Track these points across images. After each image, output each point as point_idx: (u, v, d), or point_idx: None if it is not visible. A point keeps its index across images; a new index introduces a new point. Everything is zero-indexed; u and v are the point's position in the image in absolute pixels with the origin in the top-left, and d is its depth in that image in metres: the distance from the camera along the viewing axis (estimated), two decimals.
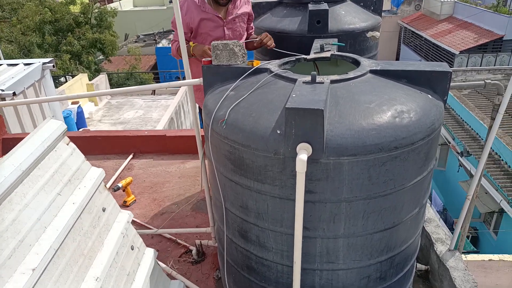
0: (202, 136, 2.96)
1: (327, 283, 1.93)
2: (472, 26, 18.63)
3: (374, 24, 2.99)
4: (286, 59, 2.24)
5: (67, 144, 1.55)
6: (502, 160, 8.87)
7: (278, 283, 2.01)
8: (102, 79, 14.31)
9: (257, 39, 2.71)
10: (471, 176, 8.97)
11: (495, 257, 5.87)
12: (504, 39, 16.96)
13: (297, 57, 2.26)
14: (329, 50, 2.31)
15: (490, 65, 16.98)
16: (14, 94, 4.29)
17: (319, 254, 1.86)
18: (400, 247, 1.98)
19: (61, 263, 1.31)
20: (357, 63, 2.11)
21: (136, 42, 24.40)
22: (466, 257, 5.77)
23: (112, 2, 31.51)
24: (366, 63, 2.05)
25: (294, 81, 1.87)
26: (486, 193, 8.90)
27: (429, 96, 1.90)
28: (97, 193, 1.58)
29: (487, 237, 9.23)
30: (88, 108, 12.76)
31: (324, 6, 2.79)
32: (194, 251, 2.90)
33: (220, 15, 2.73)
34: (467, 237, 9.04)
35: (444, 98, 1.94)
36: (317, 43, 2.47)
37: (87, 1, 18.89)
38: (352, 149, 1.60)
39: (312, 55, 2.28)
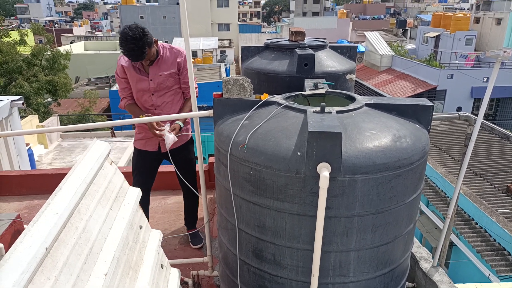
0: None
1: None
2: (409, 77, 20.57)
3: (351, 68, 3.37)
4: (287, 94, 2.50)
5: (110, 164, 1.64)
6: (448, 196, 9.63)
7: None
8: (53, 121, 13.82)
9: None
10: None
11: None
12: (437, 89, 18.86)
13: (296, 93, 2.54)
14: (323, 88, 2.61)
15: None
16: None
17: (332, 268, 2.02)
18: (399, 260, 2.20)
19: (118, 272, 1.37)
20: (351, 98, 2.42)
21: (87, 85, 24.06)
22: None
23: (61, 45, 31.11)
24: (360, 98, 2.36)
25: (303, 111, 2.11)
26: (436, 228, 9.53)
27: (417, 125, 2.22)
28: (136, 210, 1.66)
29: None
30: (37, 150, 12.17)
31: (310, 51, 3.14)
32: (190, 283, 2.92)
33: (145, 72, 2.98)
34: None
35: (428, 128, 2.27)
36: (309, 82, 2.77)
37: (37, 44, 18.56)
38: (364, 168, 1.84)
39: (309, 92, 2.57)
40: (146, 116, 2.93)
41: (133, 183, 3.24)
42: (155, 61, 2.93)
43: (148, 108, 3.06)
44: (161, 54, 2.94)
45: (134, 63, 2.94)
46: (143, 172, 3.26)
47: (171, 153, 2.96)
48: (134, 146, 3.24)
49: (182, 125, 2.99)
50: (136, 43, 2.64)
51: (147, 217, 3.42)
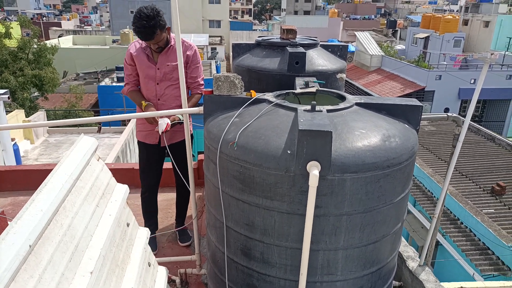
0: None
1: None
2: (398, 77, 20.76)
3: (341, 67, 3.38)
4: (278, 92, 2.49)
5: (98, 160, 1.61)
6: (434, 196, 9.75)
7: None
8: (40, 116, 13.62)
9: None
10: None
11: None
12: (425, 90, 19.07)
13: (286, 91, 2.53)
14: (314, 86, 2.61)
15: None
16: None
17: (320, 266, 2.02)
18: (387, 259, 2.21)
19: (104, 271, 1.34)
20: (341, 97, 2.42)
21: (75, 80, 23.73)
22: None
23: (49, 39, 30.62)
24: (351, 97, 2.36)
25: (294, 109, 2.11)
26: (422, 227, 9.65)
27: (406, 125, 2.23)
28: (123, 208, 1.64)
29: None
30: (23, 146, 11.97)
31: (301, 49, 3.13)
32: (178, 281, 2.90)
33: (154, 60, 2.99)
34: None
35: (417, 128, 2.29)
36: (300, 80, 2.77)
37: (24, 37, 18.23)
38: (354, 167, 1.84)
39: (299, 90, 2.56)
40: (147, 104, 2.95)
41: (142, 186, 3.33)
42: (164, 49, 2.94)
43: (151, 98, 3.04)
44: (172, 44, 2.94)
45: (144, 49, 2.96)
46: (149, 171, 3.30)
47: (171, 148, 2.96)
48: (137, 139, 3.26)
49: (181, 117, 2.97)
50: (148, 21, 2.66)
51: (156, 219, 3.42)
